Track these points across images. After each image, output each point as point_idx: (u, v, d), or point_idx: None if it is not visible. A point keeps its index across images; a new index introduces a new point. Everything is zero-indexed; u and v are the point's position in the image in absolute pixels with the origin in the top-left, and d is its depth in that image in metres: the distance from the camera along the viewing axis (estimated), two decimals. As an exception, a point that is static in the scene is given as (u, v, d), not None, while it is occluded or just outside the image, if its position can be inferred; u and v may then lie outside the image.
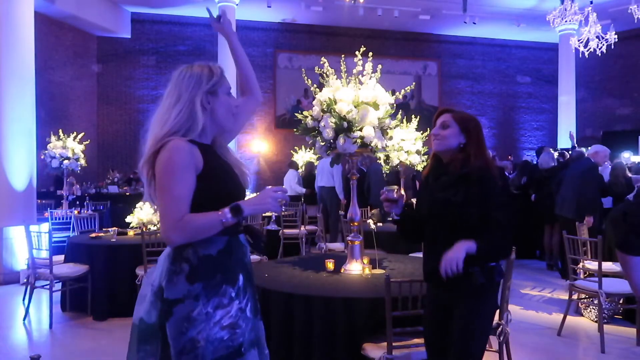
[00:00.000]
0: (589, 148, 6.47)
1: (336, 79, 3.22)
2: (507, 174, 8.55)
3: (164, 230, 1.57)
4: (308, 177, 9.42)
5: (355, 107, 3.09)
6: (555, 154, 7.34)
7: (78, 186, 10.33)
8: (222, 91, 1.73)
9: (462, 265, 1.91)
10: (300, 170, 9.91)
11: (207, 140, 1.73)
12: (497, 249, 2.05)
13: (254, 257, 5.56)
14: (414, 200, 5.74)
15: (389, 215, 2.30)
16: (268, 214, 7.34)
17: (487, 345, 3.14)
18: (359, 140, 3.09)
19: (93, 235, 5.35)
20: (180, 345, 1.55)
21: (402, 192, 2.25)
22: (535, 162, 7.98)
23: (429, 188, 2.19)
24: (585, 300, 4.60)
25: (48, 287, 4.63)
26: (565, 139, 12.10)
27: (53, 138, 7.53)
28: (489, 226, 1.99)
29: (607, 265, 4.39)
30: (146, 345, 1.61)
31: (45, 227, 6.11)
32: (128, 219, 5.30)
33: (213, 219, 1.58)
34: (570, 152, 7.49)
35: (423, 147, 5.50)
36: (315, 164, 9.45)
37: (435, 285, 2.18)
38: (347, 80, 3.22)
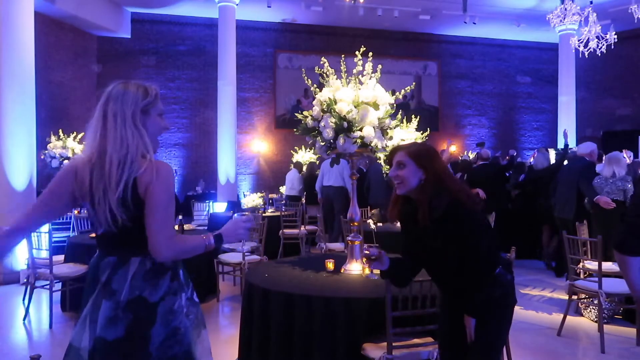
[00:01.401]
0: (577, 147, 6.36)
1: (336, 79, 3.22)
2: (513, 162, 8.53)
3: (158, 245, 1.67)
4: (309, 178, 9.39)
5: (355, 107, 3.09)
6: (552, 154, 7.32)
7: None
8: (154, 111, 1.80)
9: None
10: (302, 172, 9.85)
11: None
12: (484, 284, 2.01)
13: (254, 257, 5.57)
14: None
15: (370, 268, 2.23)
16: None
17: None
18: (359, 140, 3.09)
19: (93, 235, 5.32)
20: (164, 334, 1.72)
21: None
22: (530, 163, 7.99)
23: (412, 233, 2.14)
24: (585, 300, 4.60)
25: (48, 287, 4.63)
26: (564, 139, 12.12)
27: (53, 138, 7.54)
28: (471, 264, 1.96)
29: (607, 265, 4.39)
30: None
31: (45, 227, 6.10)
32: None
33: (199, 243, 1.78)
34: (562, 151, 7.45)
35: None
36: (317, 164, 9.45)
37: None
38: (347, 80, 3.22)
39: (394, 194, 2.16)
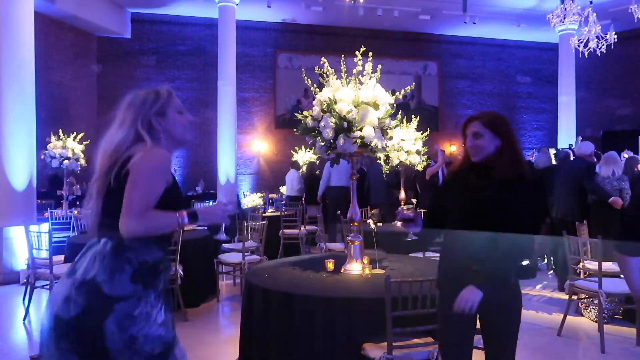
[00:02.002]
0: (575, 147, 6.31)
1: (336, 79, 3.22)
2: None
3: (127, 217, 1.63)
4: (309, 178, 9.38)
5: (355, 107, 3.09)
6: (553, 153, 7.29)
7: (78, 186, 10.33)
8: (171, 111, 1.85)
9: (476, 308, 2.01)
10: (301, 171, 9.84)
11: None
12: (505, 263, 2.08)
13: (254, 257, 5.57)
14: (414, 201, 5.77)
15: (406, 230, 2.33)
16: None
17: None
18: (359, 140, 3.09)
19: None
20: (121, 341, 1.63)
21: (405, 199, 2.30)
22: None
23: (469, 188, 2.16)
24: (585, 300, 4.60)
25: (48, 287, 4.63)
26: (565, 139, 12.12)
27: (53, 138, 7.53)
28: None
29: (607, 265, 4.39)
30: (65, 341, 1.65)
31: (45, 227, 6.10)
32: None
33: (172, 219, 1.73)
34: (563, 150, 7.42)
35: (423, 147, 5.49)
36: (317, 163, 9.44)
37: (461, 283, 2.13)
38: (347, 80, 3.22)
39: (459, 162, 2.26)
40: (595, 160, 6.08)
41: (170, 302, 1.89)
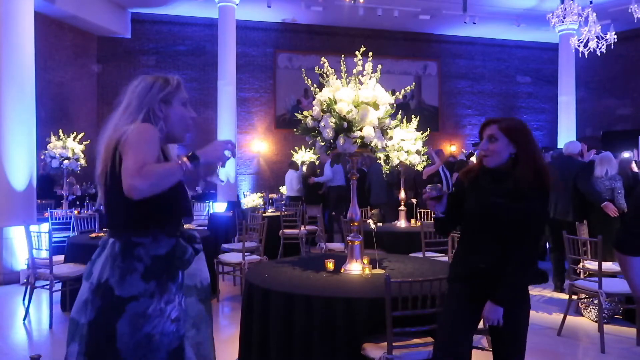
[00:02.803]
0: (564, 146, 6.27)
1: (336, 79, 3.22)
2: None
3: (129, 178, 1.55)
4: (307, 177, 9.38)
5: (355, 107, 3.09)
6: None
7: (78, 186, 10.34)
8: (176, 101, 1.82)
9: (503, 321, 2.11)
10: (302, 172, 9.83)
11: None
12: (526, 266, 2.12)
13: (254, 257, 5.57)
14: (414, 201, 5.79)
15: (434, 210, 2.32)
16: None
17: (487, 344, 3.15)
18: (359, 140, 3.08)
19: (93, 235, 5.35)
20: (134, 341, 1.62)
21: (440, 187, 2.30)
22: None
23: (482, 191, 2.17)
24: (585, 300, 4.60)
25: (48, 287, 4.63)
26: (565, 139, 12.11)
27: (53, 138, 7.53)
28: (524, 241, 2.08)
29: (607, 265, 4.39)
30: (73, 343, 1.67)
31: (45, 227, 6.11)
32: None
33: (174, 167, 1.64)
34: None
35: (423, 147, 5.49)
36: (317, 163, 9.45)
37: (471, 285, 2.20)
38: (347, 80, 3.22)
39: (476, 163, 2.24)
40: (586, 158, 6.08)
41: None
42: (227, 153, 1.76)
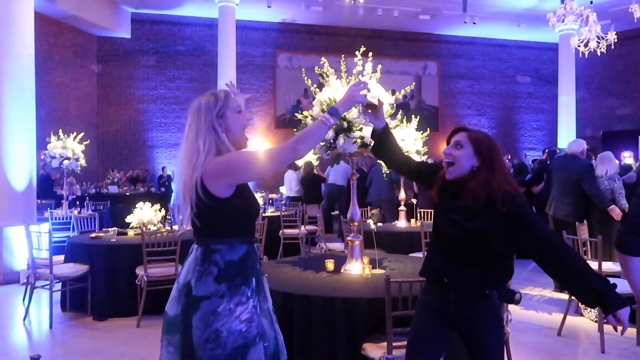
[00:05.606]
0: (568, 145, 6.25)
1: (336, 79, 3.22)
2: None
3: (291, 144, 1.85)
4: (306, 178, 9.36)
5: (355, 107, 3.09)
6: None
7: (78, 186, 10.33)
8: (230, 112, 1.94)
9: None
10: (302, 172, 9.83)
11: None
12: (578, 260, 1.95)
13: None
14: (414, 201, 5.77)
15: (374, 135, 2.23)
16: None
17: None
18: (359, 140, 3.08)
19: (93, 235, 5.35)
20: (205, 335, 1.80)
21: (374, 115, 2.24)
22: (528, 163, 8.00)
23: (444, 205, 2.08)
24: (586, 300, 4.59)
25: (48, 287, 4.62)
26: (565, 139, 12.11)
27: (53, 138, 7.53)
28: (551, 247, 1.91)
29: (607, 265, 4.39)
30: (168, 335, 1.88)
31: (45, 227, 6.11)
32: (128, 219, 5.30)
33: (319, 125, 1.92)
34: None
35: (423, 147, 5.49)
36: (315, 163, 9.44)
37: (438, 293, 2.08)
38: (347, 80, 3.22)
39: (440, 175, 2.09)
40: (586, 157, 6.07)
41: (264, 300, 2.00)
42: (363, 92, 1.96)
